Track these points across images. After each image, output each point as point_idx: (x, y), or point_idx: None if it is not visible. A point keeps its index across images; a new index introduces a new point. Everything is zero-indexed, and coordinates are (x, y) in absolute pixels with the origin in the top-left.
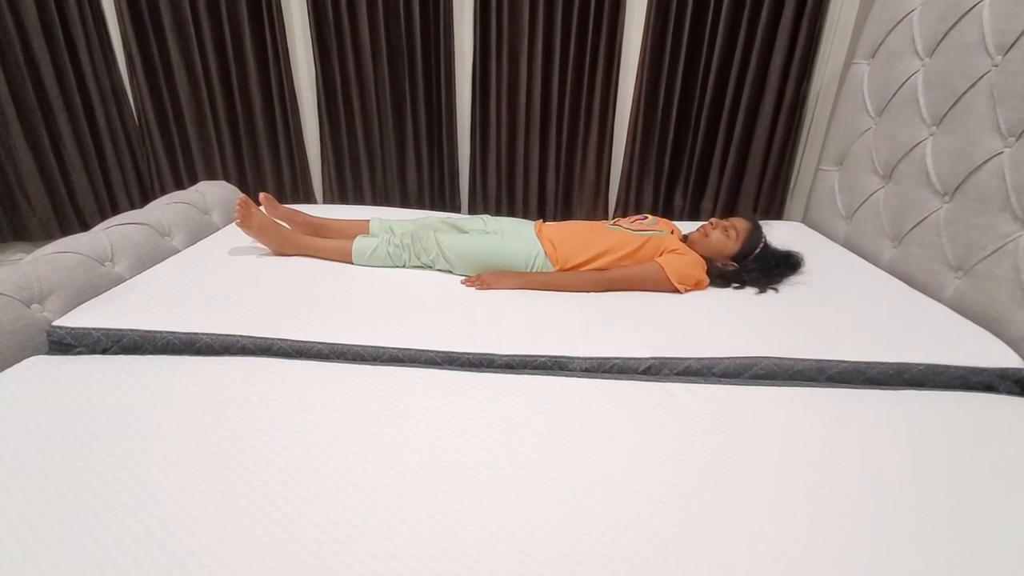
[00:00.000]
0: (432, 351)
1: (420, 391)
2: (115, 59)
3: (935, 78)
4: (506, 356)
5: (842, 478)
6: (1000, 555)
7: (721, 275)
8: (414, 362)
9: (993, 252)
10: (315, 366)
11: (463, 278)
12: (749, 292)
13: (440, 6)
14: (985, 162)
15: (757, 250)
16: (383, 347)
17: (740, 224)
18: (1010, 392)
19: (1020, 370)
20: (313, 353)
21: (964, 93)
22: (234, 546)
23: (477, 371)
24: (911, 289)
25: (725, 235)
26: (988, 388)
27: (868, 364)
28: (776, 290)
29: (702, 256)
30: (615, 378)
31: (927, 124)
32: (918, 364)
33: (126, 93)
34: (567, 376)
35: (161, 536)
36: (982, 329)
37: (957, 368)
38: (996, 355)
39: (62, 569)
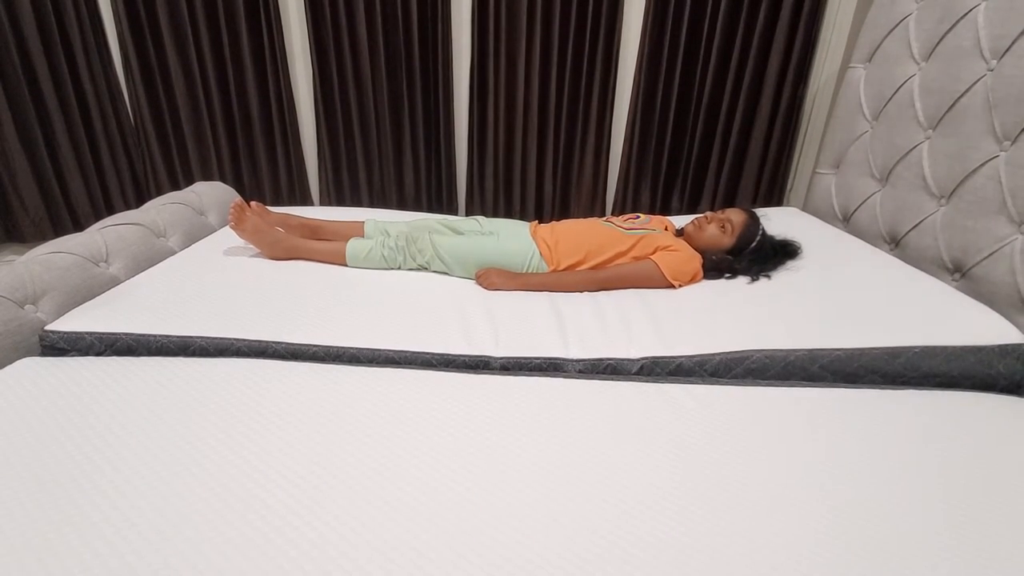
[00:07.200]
0: (428, 353)
1: (416, 393)
2: (111, 59)
3: (931, 82)
4: (502, 358)
5: (842, 479)
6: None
7: (715, 267)
8: (410, 364)
9: (989, 255)
10: (310, 368)
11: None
12: (741, 283)
13: (438, 8)
14: (981, 165)
15: (753, 244)
16: (379, 349)
17: (736, 217)
18: (1011, 371)
19: (1020, 345)
20: (308, 355)
21: (960, 97)
22: (228, 549)
23: (473, 373)
24: (906, 265)
25: (720, 230)
26: (988, 368)
27: (862, 351)
28: (768, 277)
29: (696, 249)
30: (611, 379)
31: (923, 128)
32: (914, 347)
33: (122, 93)
34: (563, 378)
35: (154, 540)
36: (981, 304)
37: (955, 348)
38: (996, 331)
39: (52, 573)
